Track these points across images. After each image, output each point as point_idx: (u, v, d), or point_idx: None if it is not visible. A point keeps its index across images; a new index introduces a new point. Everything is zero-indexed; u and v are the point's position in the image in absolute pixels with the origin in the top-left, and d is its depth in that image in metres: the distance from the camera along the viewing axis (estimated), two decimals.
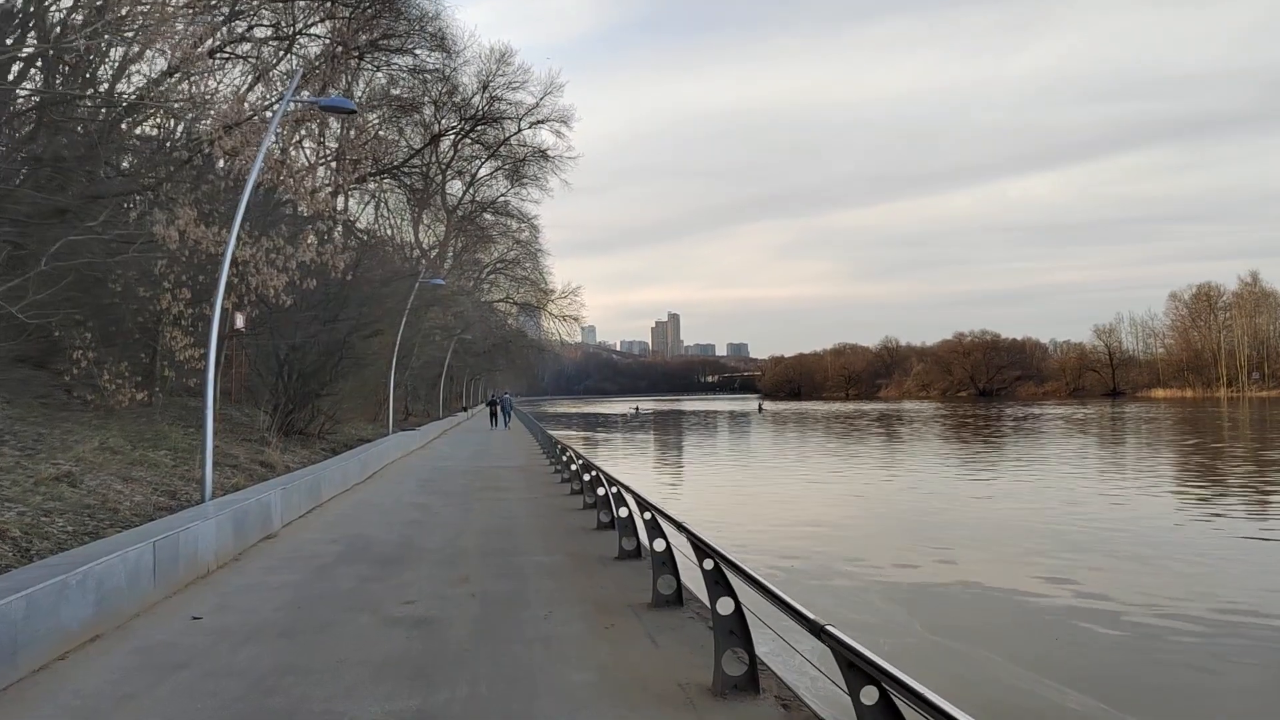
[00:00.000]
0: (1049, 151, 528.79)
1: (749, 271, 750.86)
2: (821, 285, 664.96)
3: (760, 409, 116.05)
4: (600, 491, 13.43)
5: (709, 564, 6.09)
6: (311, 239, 19.80)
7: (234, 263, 16.60)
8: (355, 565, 10.71)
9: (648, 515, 8.65)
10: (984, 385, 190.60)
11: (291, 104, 13.96)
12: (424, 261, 54.88)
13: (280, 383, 25.40)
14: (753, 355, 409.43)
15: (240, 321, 26.43)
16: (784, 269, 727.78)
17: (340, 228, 45.81)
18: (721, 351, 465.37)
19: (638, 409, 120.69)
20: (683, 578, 8.58)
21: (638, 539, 11.01)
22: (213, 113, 17.96)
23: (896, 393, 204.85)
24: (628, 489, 10.37)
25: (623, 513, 11.06)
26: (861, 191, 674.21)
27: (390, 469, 24.99)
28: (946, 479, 29.11)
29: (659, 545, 8.51)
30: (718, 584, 6.05)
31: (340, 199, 51.92)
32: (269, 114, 17.64)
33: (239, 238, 16.67)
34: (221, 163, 23.35)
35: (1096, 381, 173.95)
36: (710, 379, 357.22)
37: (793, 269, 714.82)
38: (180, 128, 22.15)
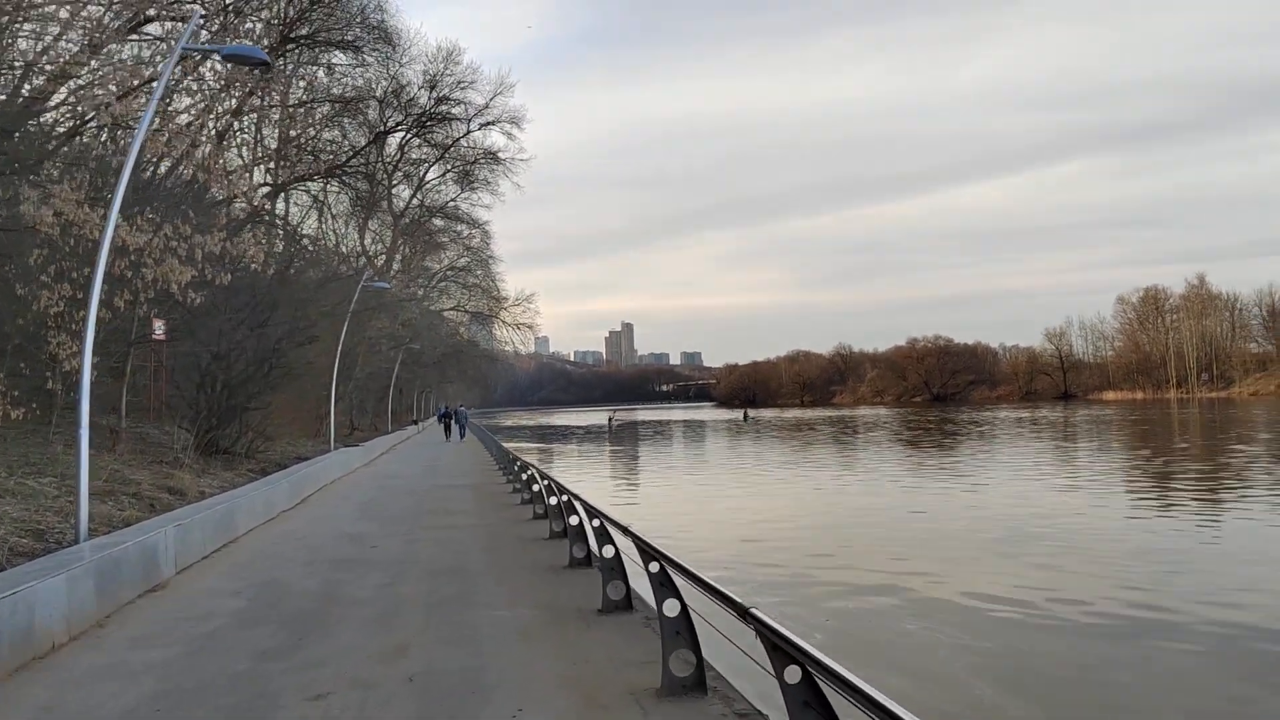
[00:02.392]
0: (995, 159, 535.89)
1: (702, 280, 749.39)
2: (774, 293, 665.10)
3: (746, 417, 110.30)
4: (574, 520, 10.95)
5: (794, 674, 3.66)
6: (229, 231, 17.09)
7: (126, 252, 13.90)
8: (257, 630, 8.11)
9: (655, 566, 6.20)
10: (938, 390, 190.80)
11: (185, 51, 11.33)
12: (370, 268, 52.00)
13: (202, 396, 22.53)
14: (706, 364, 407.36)
15: (159, 329, 23.55)
16: (736, 277, 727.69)
17: (279, 230, 42.83)
18: (675, 360, 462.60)
19: (613, 419, 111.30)
20: (703, 649, 6.16)
21: (626, 586, 8.57)
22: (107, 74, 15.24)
23: (851, 399, 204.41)
24: (619, 525, 7.90)
25: (607, 552, 8.59)
26: (812, 200, 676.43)
27: (328, 491, 22.24)
28: (978, 490, 26.98)
29: (671, 608, 6.07)
30: (809, 707, 3.62)
31: (280, 201, 48.99)
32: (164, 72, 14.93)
33: (132, 222, 14.03)
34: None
35: (1048, 385, 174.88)
36: (665, 388, 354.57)
37: (745, 277, 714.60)
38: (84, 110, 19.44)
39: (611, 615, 8.37)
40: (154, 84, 16.41)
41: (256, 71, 27.47)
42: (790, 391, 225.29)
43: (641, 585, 8.15)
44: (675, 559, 5.76)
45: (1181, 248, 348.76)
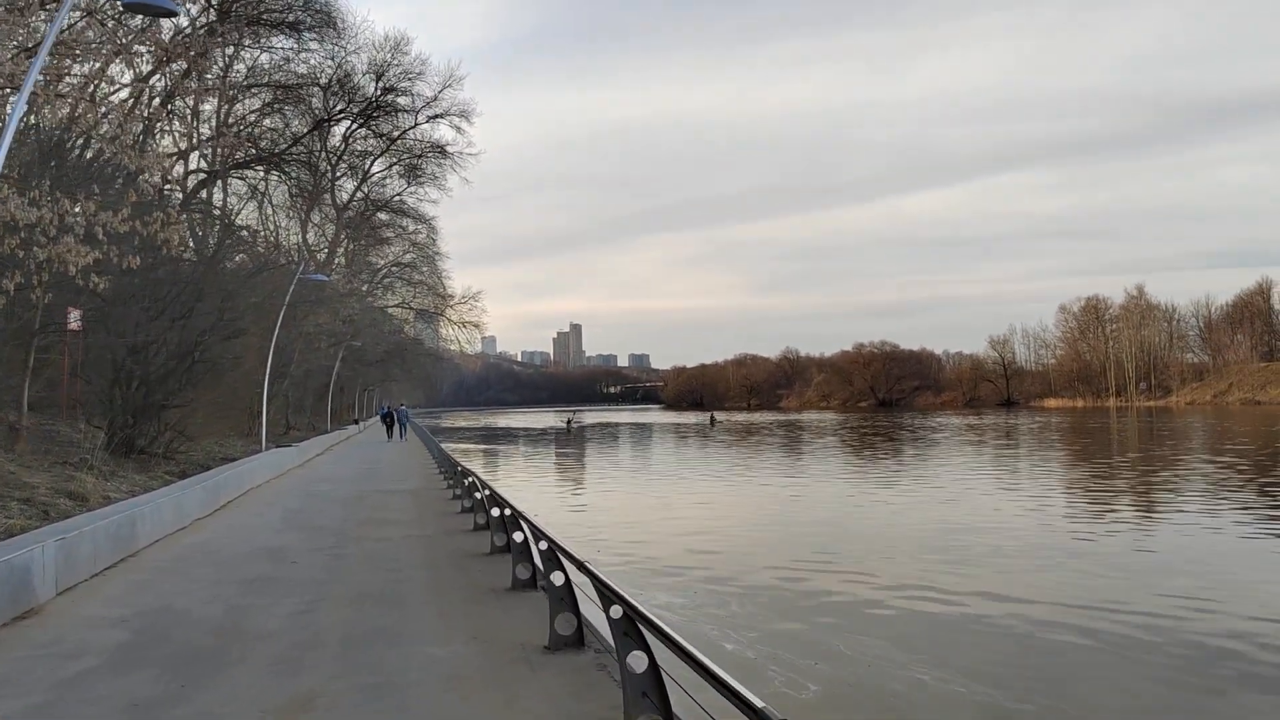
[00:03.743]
0: (941, 169, 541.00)
1: (651, 282, 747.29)
2: (722, 296, 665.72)
3: (714, 421, 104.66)
4: (518, 537, 9.73)
5: None
6: (142, 209, 15.50)
7: (17, 228, 12.34)
8: (135, 673, 6.75)
9: (617, 611, 5.02)
10: (883, 395, 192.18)
11: None
12: (311, 263, 50.09)
13: (118, 392, 20.84)
14: (654, 366, 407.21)
15: (74, 318, 21.76)
16: (686, 280, 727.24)
17: (215, 219, 40.83)
18: (623, 362, 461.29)
19: (571, 421, 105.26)
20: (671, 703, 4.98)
21: (578, 619, 7.38)
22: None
23: (797, 403, 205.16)
24: (574, 558, 6.67)
25: (556, 579, 7.39)
26: (761, 205, 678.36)
27: (253, 495, 20.65)
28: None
29: (637, 661, 4.90)
30: None
31: (217, 190, 46.92)
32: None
33: (25, 194, 12.49)
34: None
35: (991, 391, 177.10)
36: (613, 389, 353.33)
37: (694, 280, 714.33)
38: None
39: (560, 654, 7.17)
40: (78, 48, 14.90)
41: (188, 41, 25.82)
42: (737, 395, 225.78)
43: (593, 612, 7.01)
44: (645, 611, 4.57)
45: (1122, 259, 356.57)
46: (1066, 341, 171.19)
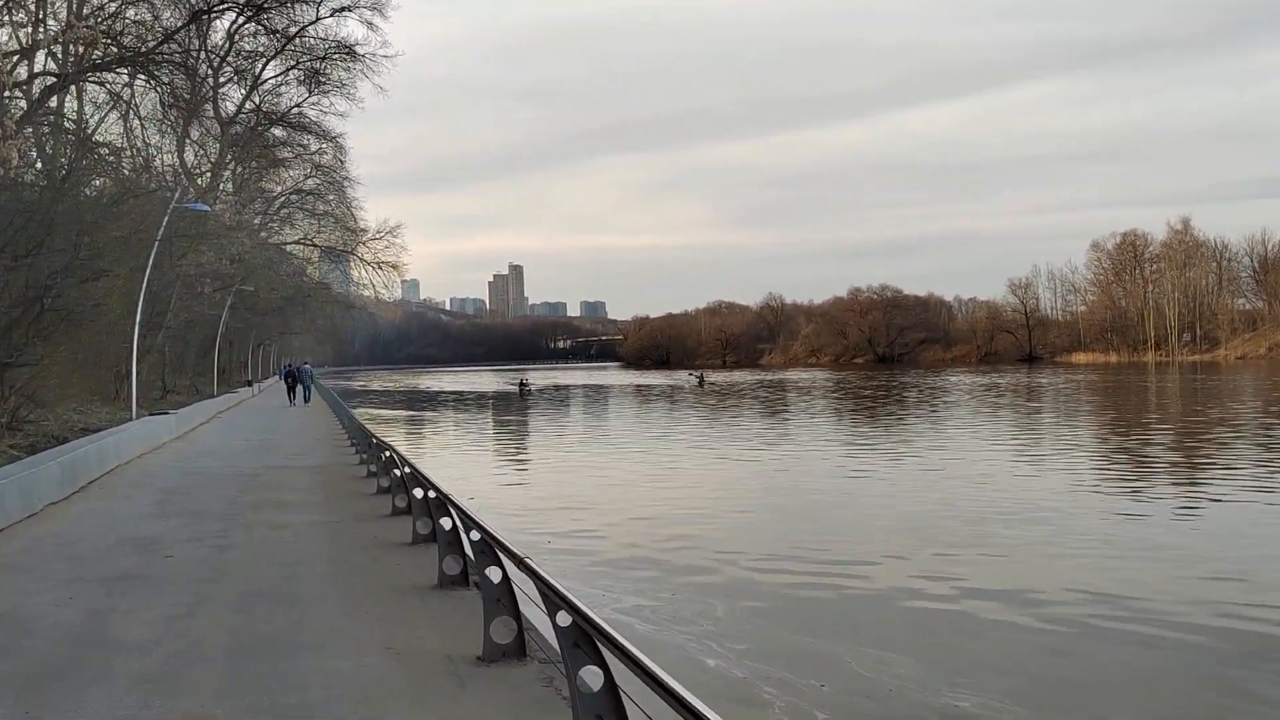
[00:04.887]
0: (952, 77, 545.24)
1: (606, 215, 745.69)
2: (692, 232, 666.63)
3: (702, 382, 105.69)
4: (446, 524, 9.57)
5: None
6: None
7: None
8: None
9: (564, 618, 4.88)
10: (884, 350, 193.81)
11: None
12: (190, 190, 49.10)
13: None
14: (611, 316, 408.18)
15: None
16: (648, 213, 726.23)
17: (66, 134, 39.76)
18: (574, 311, 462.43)
19: (525, 384, 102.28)
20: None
21: (518, 624, 7.26)
22: None
23: (782, 359, 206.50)
24: (512, 552, 6.45)
25: (493, 574, 7.25)
26: (737, 121, 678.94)
27: (120, 474, 20.36)
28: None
29: (592, 678, 4.78)
30: None
31: (70, 99, 45.63)
32: None
33: None
34: None
35: (1011, 344, 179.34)
36: (562, 344, 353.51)
37: (658, 213, 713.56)
38: None
39: (497, 666, 7.05)
40: None
41: None
42: (710, 350, 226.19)
43: (538, 615, 6.89)
44: (599, 620, 4.42)
45: (1165, 187, 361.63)
46: (1099, 285, 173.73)
